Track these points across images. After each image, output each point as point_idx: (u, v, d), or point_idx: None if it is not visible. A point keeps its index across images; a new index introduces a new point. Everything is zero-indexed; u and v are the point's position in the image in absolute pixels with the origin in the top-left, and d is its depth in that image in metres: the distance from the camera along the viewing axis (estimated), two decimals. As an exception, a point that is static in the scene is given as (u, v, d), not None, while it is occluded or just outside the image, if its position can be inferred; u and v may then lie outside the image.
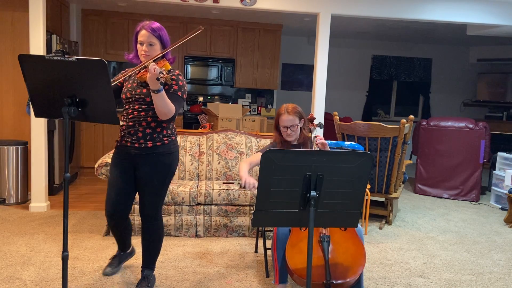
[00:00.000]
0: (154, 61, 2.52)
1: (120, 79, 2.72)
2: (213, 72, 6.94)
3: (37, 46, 4.24)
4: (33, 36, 4.23)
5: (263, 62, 7.05)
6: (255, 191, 3.13)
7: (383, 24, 6.37)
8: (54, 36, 4.83)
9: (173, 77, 2.57)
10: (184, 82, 2.62)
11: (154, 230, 2.74)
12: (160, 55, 2.56)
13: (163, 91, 2.39)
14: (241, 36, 6.92)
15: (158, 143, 2.59)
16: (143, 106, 2.56)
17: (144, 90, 2.54)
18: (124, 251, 3.07)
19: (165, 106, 2.42)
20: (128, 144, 2.61)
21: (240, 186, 2.60)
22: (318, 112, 4.98)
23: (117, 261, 3.04)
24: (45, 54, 4.32)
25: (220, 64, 6.95)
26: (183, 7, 5.86)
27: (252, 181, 2.55)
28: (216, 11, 6.03)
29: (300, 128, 2.91)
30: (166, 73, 2.32)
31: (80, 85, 2.12)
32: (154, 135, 2.58)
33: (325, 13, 4.89)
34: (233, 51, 6.94)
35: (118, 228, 2.87)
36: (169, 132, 2.64)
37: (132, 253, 3.14)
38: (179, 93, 2.56)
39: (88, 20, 6.41)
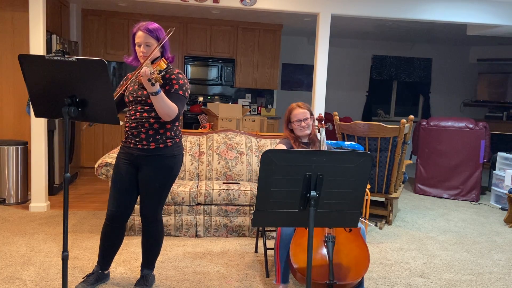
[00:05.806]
0: (152, 62, 2.49)
1: (123, 88, 2.67)
2: (213, 72, 6.94)
3: (37, 46, 4.24)
4: (33, 36, 4.23)
5: (263, 62, 7.05)
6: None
7: (383, 24, 6.36)
8: (54, 36, 4.83)
9: (172, 76, 2.53)
10: (185, 80, 2.58)
11: (153, 232, 2.71)
12: (155, 55, 2.52)
13: (161, 93, 2.36)
14: (241, 36, 6.92)
15: (161, 145, 2.56)
16: (145, 107, 2.53)
17: (145, 92, 2.50)
18: (103, 270, 2.83)
19: (165, 107, 2.40)
20: (131, 145, 2.59)
21: None
22: (318, 112, 4.97)
23: (93, 279, 2.77)
24: (45, 54, 4.32)
25: (220, 64, 6.94)
26: (183, 7, 5.86)
27: None
28: (216, 11, 6.03)
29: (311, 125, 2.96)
30: (157, 73, 2.27)
31: (80, 85, 2.12)
32: (157, 137, 2.55)
33: (325, 13, 4.88)
34: (233, 51, 6.94)
35: (113, 234, 2.72)
36: (172, 134, 2.60)
37: (107, 277, 2.88)
38: (180, 92, 2.52)
39: (88, 20, 6.41)
